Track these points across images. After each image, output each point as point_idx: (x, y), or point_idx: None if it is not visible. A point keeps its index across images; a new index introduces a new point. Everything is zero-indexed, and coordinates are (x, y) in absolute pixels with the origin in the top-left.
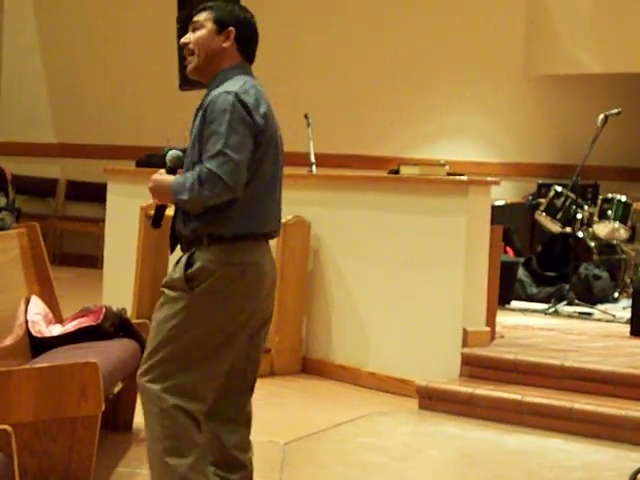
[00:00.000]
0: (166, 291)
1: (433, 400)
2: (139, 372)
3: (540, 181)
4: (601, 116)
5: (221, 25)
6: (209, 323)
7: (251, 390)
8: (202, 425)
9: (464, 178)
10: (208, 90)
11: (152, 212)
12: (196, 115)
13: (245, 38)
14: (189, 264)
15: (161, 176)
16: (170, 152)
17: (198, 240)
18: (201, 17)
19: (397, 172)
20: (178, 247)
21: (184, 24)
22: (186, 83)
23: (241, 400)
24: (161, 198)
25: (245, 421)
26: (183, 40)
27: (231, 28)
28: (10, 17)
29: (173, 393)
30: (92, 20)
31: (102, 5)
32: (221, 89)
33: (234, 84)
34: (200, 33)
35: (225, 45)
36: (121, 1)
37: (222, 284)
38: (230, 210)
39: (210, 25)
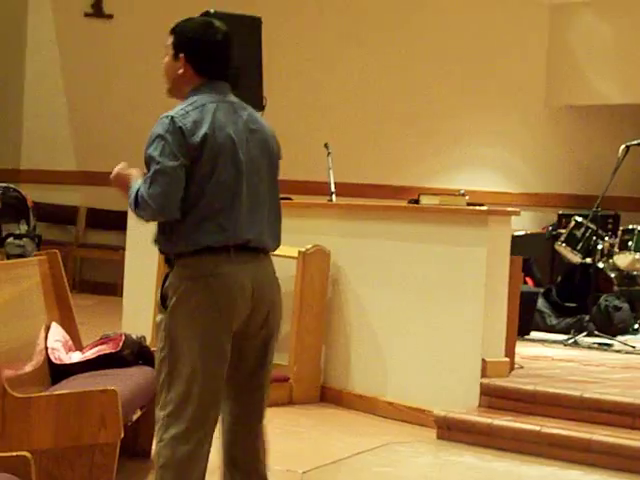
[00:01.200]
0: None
1: (452, 430)
2: None
3: (560, 211)
4: (622, 147)
5: (176, 52)
6: (186, 339)
7: (261, 414)
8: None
9: (484, 208)
10: None
11: None
12: None
13: (201, 59)
14: (163, 284)
15: (123, 171)
16: None
17: (168, 259)
18: (168, 41)
19: (417, 202)
20: None
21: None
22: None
23: (253, 430)
24: (118, 188)
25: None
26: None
27: (181, 55)
28: (33, 49)
29: (169, 423)
30: (116, 51)
31: (121, 40)
32: (164, 113)
33: (178, 107)
34: (166, 59)
35: (180, 72)
36: (137, 36)
37: (186, 298)
38: (185, 226)
39: (171, 51)
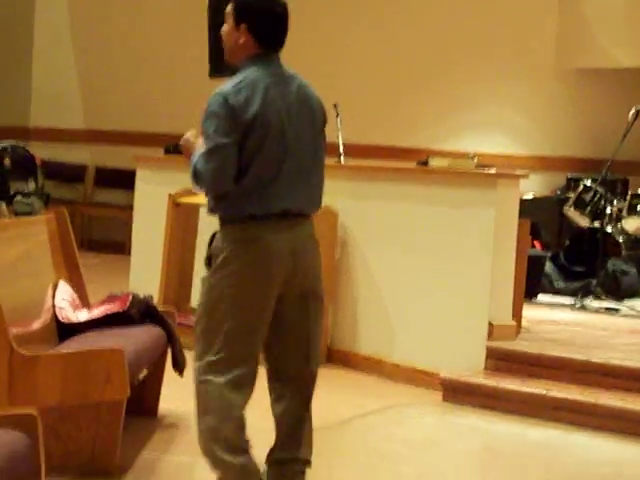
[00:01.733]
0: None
1: (457, 393)
2: None
3: (569, 175)
4: (632, 110)
5: (237, 21)
6: (227, 297)
7: (308, 363)
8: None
9: (493, 171)
10: None
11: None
12: None
13: (262, 30)
14: (210, 244)
15: (190, 139)
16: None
17: (219, 220)
18: (227, 9)
19: (426, 163)
20: None
21: (214, 13)
22: (215, 71)
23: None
24: (186, 155)
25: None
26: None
27: (243, 25)
28: (42, 7)
29: (207, 373)
30: (124, 9)
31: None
32: (218, 88)
33: (230, 82)
34: (225, 27)
35: (240, 42)
36: None
37: (229, 259)
38: (233, 195)
39: (231, 20)
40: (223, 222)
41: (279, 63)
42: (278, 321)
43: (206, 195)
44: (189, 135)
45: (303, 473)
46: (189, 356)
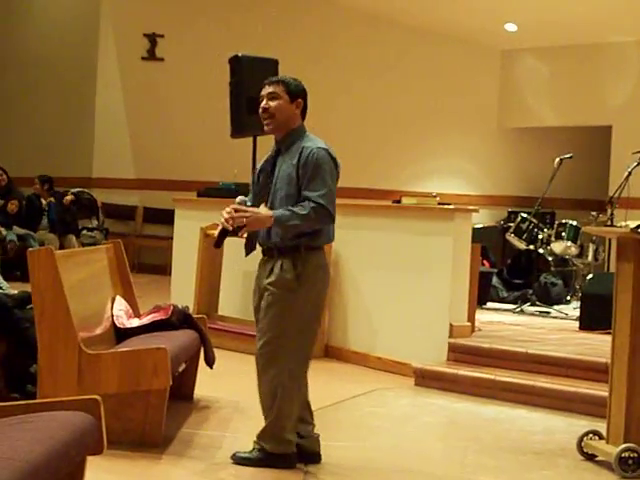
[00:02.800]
0: (275, 290)
1: (426, 379)
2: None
3: (510, 209)
4: (557, 159)
5: (292, 96)
6: (308, 308)
7: None
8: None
9: (451, 207)
10: (285, 141)
11: (215, 235)
12: (274, 161)
13: (305, 105)
14: (294, 266)
15: (256, 210)
16: (240, 198)
17: (296, 249)
18: (277, 89)
19: (399, 202)
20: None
21: (235, 87)
22: (236, 132)
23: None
24: (257, 226)
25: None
26: (264, 105)
27: (300, 100)
28: (101, 85)
29: (283, 362)
30: (162, 89)
31: (170, 77)
32: (311, 144)
33: (318, 142)
34: (279, 103)
35: (297, 112)
36: (182, 74)
37: (315, 280)
38: (321, 229)
39: (285, 96)
40: (305, 250)
41: None
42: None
43: (320, 225)
44: (253, 210)
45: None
46: (218, 353)
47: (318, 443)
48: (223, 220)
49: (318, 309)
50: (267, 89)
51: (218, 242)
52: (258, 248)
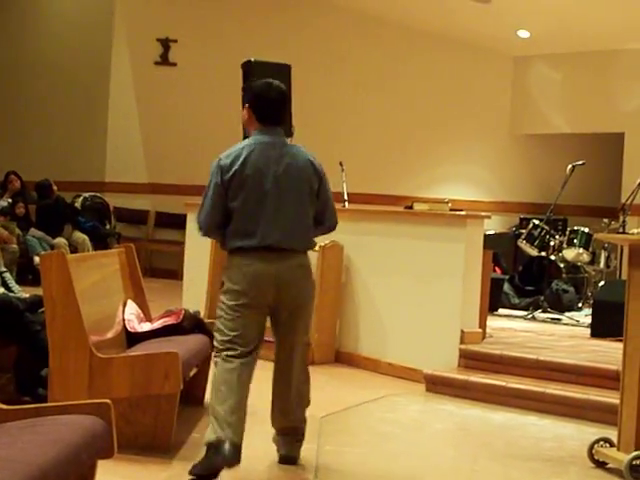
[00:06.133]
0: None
1: (437, 385)
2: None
3: (522, 216)
4: (569, 166)
5: (244, 103)
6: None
7: (291, 366)
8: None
9: (463, 213)
10: None
11: None
12: None
13: (259, 109)
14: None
15: None
16: None
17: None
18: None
19: (411, 207)
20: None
21: (247, 93)
22: (247, 137)
23: (286, 371)
24: None
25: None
26: None
27: (246, 105)
28: (115, 90)
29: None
30: (174, 94)
31: (182, 82)
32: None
33: (229, 150)
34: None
35: (246, 117)
36: (194, 78)
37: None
38: (227, 233)
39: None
40: (228, 253)
41: (277, 134)
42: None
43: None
44: None
45: None
46: None
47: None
48: None
49: (226, 302)
50: None
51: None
52: None
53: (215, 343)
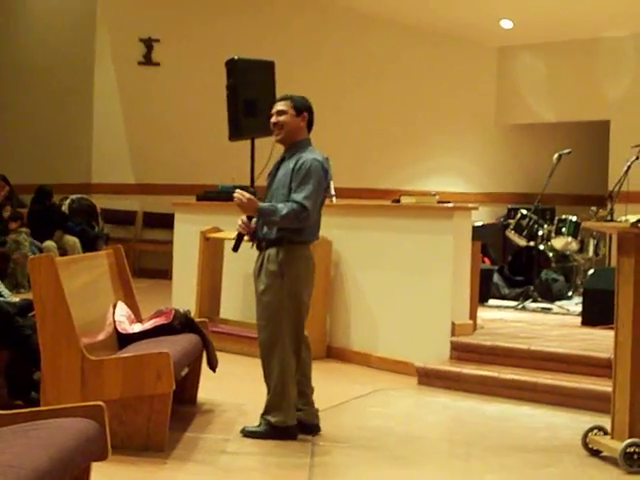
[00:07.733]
0: (264, 279)
1: (429, 378)
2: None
3: (509, 206)
4: (556, 155)
5: (297, 110)
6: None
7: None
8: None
9: (450, 205)
10: (290, 150)
11: (233, 239)
12: (279, 166)
13: (310, 121)
14: (277, 256)
15: (253, 198)
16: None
17: (279, 241)
18: (285, 105)
19: (399, 201)
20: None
21: (232, 90)
22: (234, 135)
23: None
24: (246, 208)
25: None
26: (273, 121)
27: (305, 113)
28: (99, 91)
29: None
30: (158, 94)
31: (166, 81)
32: (308, 155)
33: (315, 154)
34: (285, 118)
35: (302, 124)
36: (177, 78)
37: (297, 268)
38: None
39: (291, 110)
40: (287, 243)
41: None
42: None
43: (293, 226)
44: (249, 195)
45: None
46: (220, 357)
47: (317, 415)
48: (238, 226)
49: (302, 293)
50: (276, 107)
51: (235, 246)
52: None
53: (287, 345)
